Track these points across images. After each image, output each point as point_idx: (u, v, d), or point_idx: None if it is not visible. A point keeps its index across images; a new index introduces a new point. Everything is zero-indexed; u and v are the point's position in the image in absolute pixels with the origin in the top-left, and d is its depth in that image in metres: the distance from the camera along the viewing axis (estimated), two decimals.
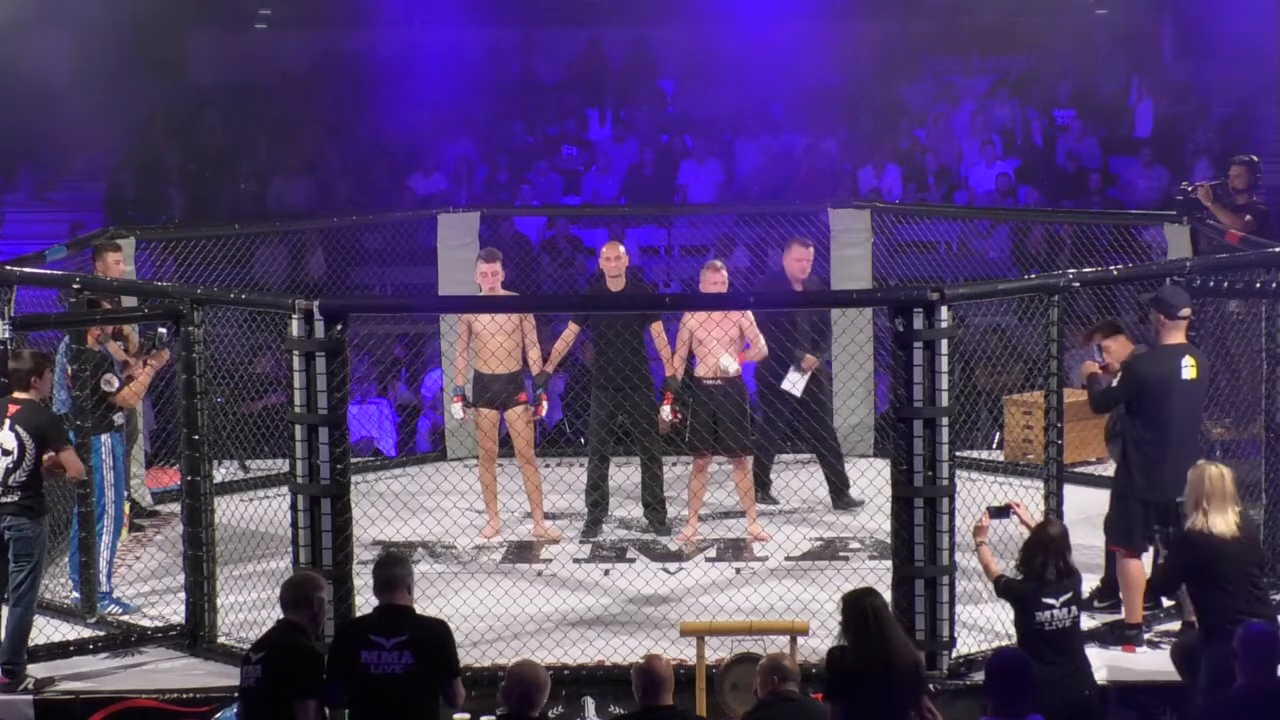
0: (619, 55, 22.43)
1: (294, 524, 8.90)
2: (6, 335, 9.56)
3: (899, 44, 21.98)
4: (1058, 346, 9.34)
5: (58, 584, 10.34)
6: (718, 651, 8.76)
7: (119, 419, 10.20)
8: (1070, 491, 9.72)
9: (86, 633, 9.70)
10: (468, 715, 8.10)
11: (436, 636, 7.40)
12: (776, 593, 9.86)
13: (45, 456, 9.13)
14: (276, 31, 22.80)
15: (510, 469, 11.77)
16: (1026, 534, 8.65)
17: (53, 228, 18.20)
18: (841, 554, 11.00)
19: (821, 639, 8.78)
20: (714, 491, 11.85)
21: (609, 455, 11.63)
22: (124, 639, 9.63)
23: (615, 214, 18.06)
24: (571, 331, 11.66)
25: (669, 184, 19.96)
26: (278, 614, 7.52)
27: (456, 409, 11.51)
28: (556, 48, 22.60)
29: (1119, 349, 9.82)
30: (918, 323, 8.78)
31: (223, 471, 11.78)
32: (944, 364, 8.78)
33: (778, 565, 10.75)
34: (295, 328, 8.82)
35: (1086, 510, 10.39)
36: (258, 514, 10.21)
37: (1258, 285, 9.95)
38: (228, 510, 10.19)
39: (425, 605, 7.69)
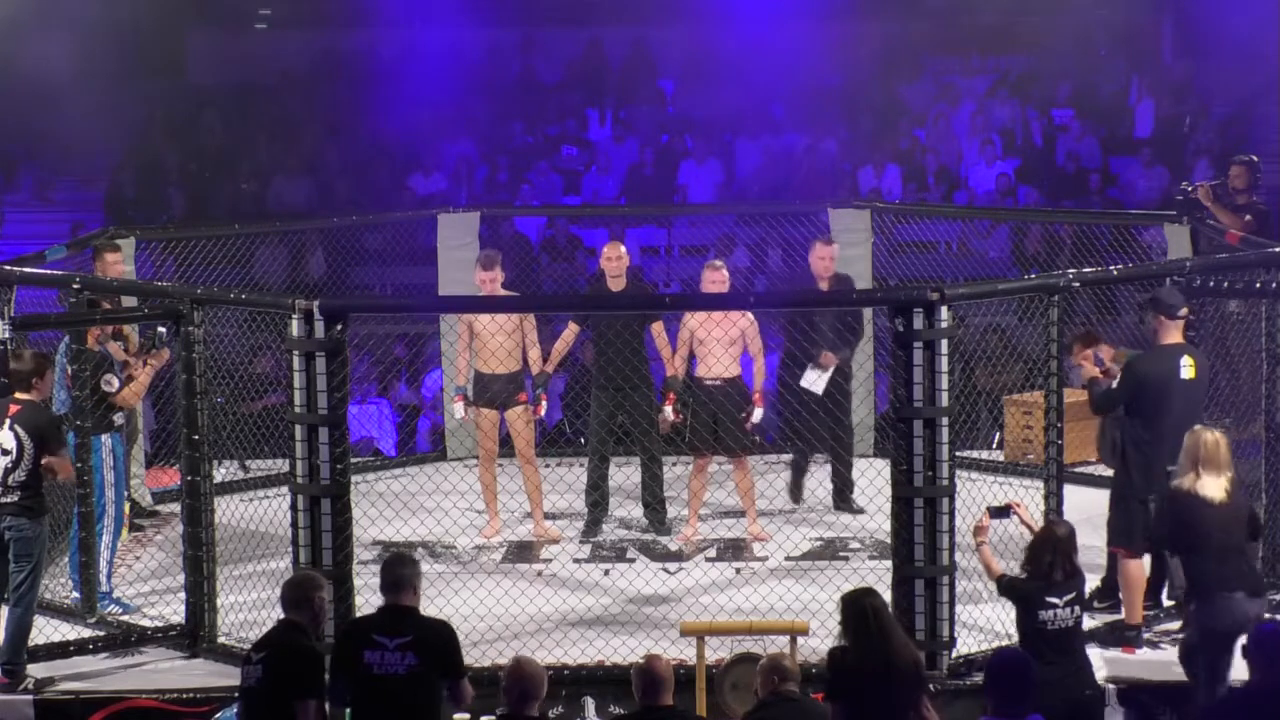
0: (619, 55, 22.42)
1: (294, 524, 8.91)
2: (6, 335, 9.56)
3: (899, 44, 21.97)
4: (1058, 346, 9.35)
5: (58, 584, 10.34)
6: (718, 651, 8.76)
7: (119, 419, 10.20)
8: (1070, 491, 9.72)
9: (86, 633, 9.70)
10: (468, 715, 8.10)
11: (440, 638, 7.40)
12: (776, 593, 9.86)
13: (44, 458, 9.14)
14: (276, 31, 22.80)
15: (510, 469, 11.77)
16: (1027, 534, 8.66)
17: (53, 228, 18.19)
18: (841, 554, 11.01)
19: (821, 639, 8.78)
20: (714, 491, 11.85)
21: (609, 455, 11.63)
22: (124, 639, 9.63)
23: (615, 214, 18.05)
24: (571, 331, 11.66)
25: (669, 184, 19.96)
26: (278, 614, 7.52)
27: (457, 409, 11.51)
28: (556, 48, 22.59)
29: (1101, 356, 9.83)
30: (918, 323, 8.78)
31: (223, 471, 11.78)
32: (944, 364, 8.78)
33: (778, 565, 10.75)
34: (295, 328, 8.82)
35: (1087, 510, 10.39)
36: (258, 514, 10.21)
37: (1258, 285, 9.95)
38: (228, 510, 10.19)
39: (425, 605, 7.68)
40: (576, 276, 17.31)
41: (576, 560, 11.07)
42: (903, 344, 8.82)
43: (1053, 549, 8.11)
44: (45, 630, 9.57)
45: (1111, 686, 8.86)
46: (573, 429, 13.94)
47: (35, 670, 9.16)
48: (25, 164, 21.10)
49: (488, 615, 9.69)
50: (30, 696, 9.03)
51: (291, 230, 15.28)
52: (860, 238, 13.23)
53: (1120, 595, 9.58)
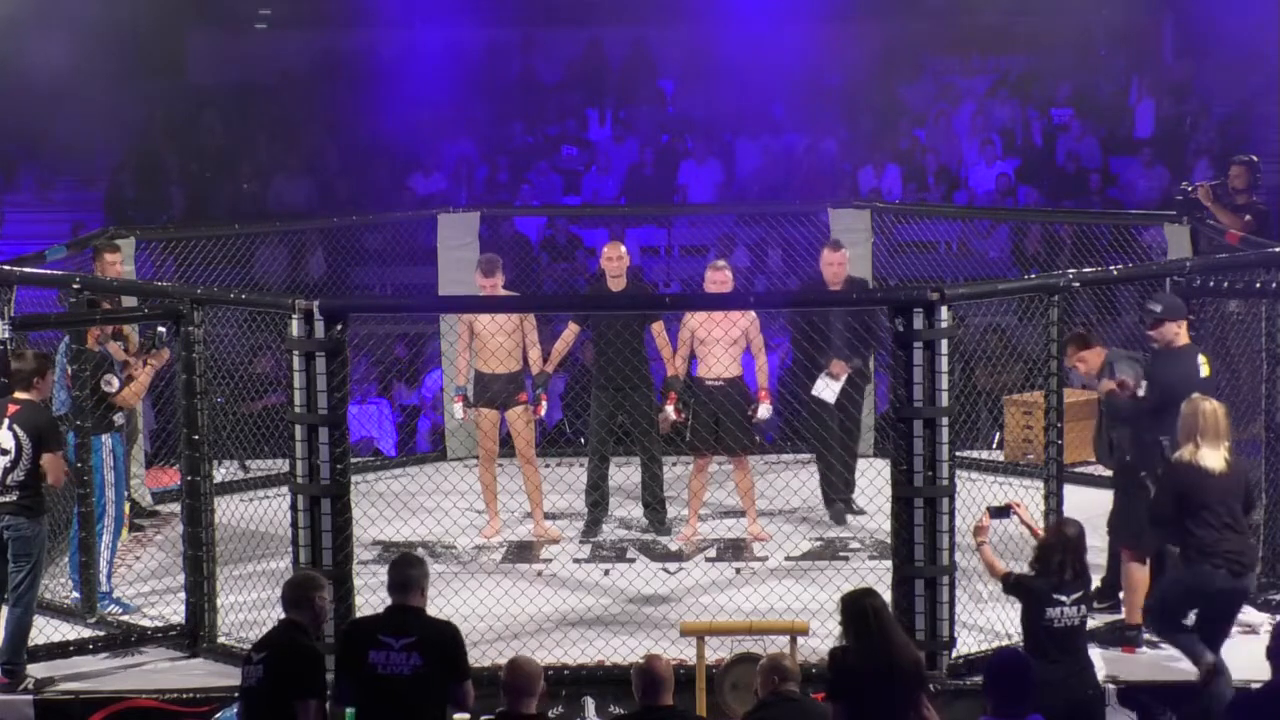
0: (619, 55, 22.42)
1: (294, 524, 8.91)
2: (6, 335, 9.57)
3: (899, 44, 21.96)
4: (1058, 346, 9.35)
5: (58, 584, 10.34)
6: (718, 651, 8.76)
7: (119, 419, 10.20)
8: (1070, 491, 9.72)
9: (86, 633, 9.70)
10: (468, 716, 8.10)
11: (446, 639, 7.40)
12: (776, 593, 9.86)
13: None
14: (276, 31, 22.80)
15: (510, 469, 11.77)
16: (1027, 534, 8.66)
17: (53, 228, 18.19)
18: (841, 554, 11.01)
19: (821, 639, 8.79)
20: (714, 491, 11.85)
21: (609, 455, 11.63)
22: (124, 639, 9.63)
23: (615, 214, 18.05)
24: (572, 331, 11.66)
25: (669, 184, 19.95)
26: (278, 614, 7.52)
27: (457, 408, 11.51)
28: (556, 48, 22.59)
29: (1093, 359, 9.84)
30: (918, 323, 8.78)
31: (223, 471, 11.78)
32: (944, 364, 8.78)
33: (778, 565, 10.75)
34: (295, 328, 8.82)
35: (1087, 510, 10.35)
36: (258, 514, 10.21)
37: (1258, 285, 9.95)
38: (228, 510, 10.19)
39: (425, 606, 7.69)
40: (576, 276, 17.31)
41: (576, 560, 11.07)
42: (903, 344, 8.82)
43: (1063, 548, 8.11)
44: (45, 630, 9.57)
45: (1111, 686, 8.86)
46: (573, 429, 13.94)
47: (35, 670, 9.16)
48: (25, 164, 21.10)
49: (488, 615, 9.69)
50: (30, 696, 9.03)
51: (291, 230, 15.27)
52: (860, 238, 13.23)
53: (1121, 595, 9.58)
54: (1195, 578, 8.68)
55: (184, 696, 9.01)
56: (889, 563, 9.14)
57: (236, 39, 22.38)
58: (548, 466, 12.41)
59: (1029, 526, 8.66)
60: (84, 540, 9.92)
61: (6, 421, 9.13)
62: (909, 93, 21.70)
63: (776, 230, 14.33)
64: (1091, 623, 9.16)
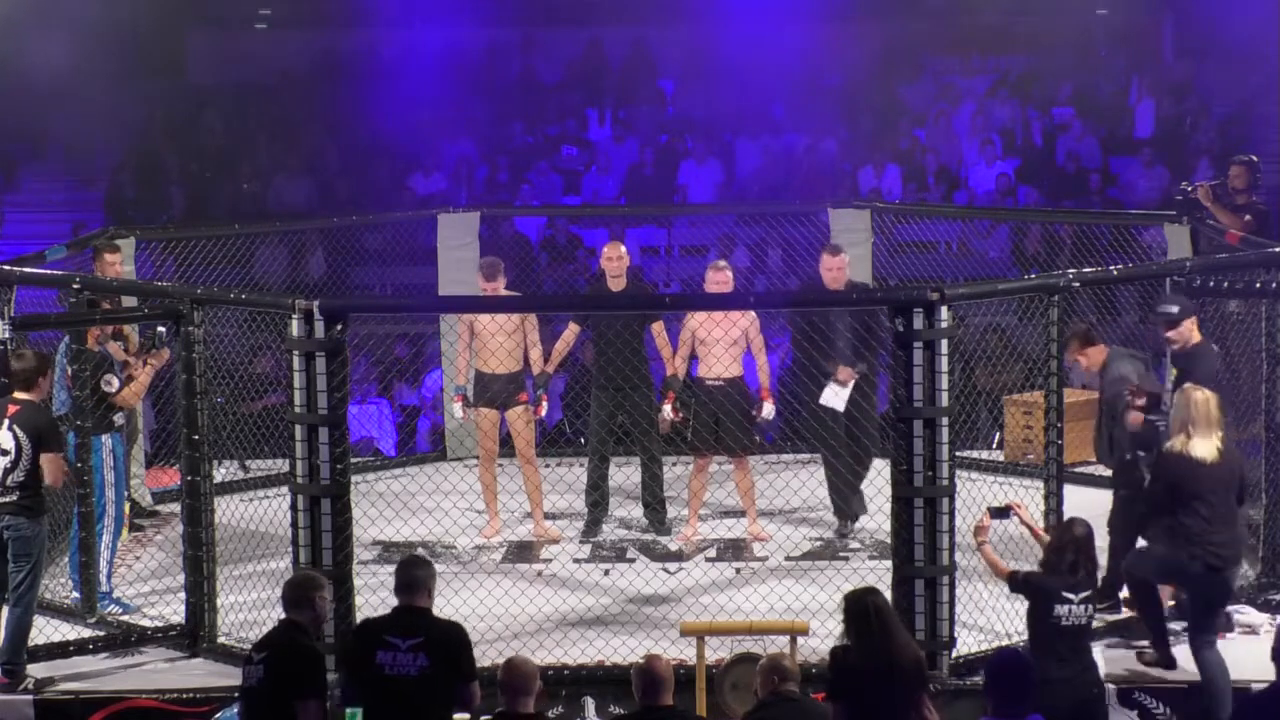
0: (619, 55, 22.42)
1: (294, 524, 8.91)
2: (6, 335, 9.57)
3: (899, 44, 21.96)
4: (1058, 346, 9.35)
5: (58, 584, 10.34)
6: (718, 651, 8.76)
7: (119, 419, 10.20)
8: (1070, 491, 9.72)
9: (86, 633, 9.70)
10: (467, 716, 8.10)
11: (453, 639, 7.40)
12: (776, 593, 9.86)
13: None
14: (276, 31, 22.80)
15: (510, 469, 11.77)
16: (1027, 534, 8.66)
17: (53, 228, 18.19)
18: (841, 554, 11.01)
19: (821, 639, 8.79)
20: (714, 491, 11.85)
21: (609, 455, 11.63)
22: (124, 639, 9.63)
23: (615, 214, 18.05)
24: (572, 331, 11.66)
25: (669, 184, 19.95)
26: (278, 614, 7.52)
27: (457, 408, 11.51)
28: (556, 48, 22.59)
29: (1096, 355, 9.86)
30: (918, 323, 8.78)
31: (223, 471, 11.78)
32: (944, 364, 8.78)
33: (778, 565, 10.75)
34: (295, 328, 8.82)
35: (1086, 510, 10.31)
36: (258, 514, 10.21)
37: (1258, 285, 9.96)
38: (228, 510, 10.19)
39: None
40: (577, 276, 17.31)
41: (576, 560, 11.07)
42: (903, 344, 8.82)
43: (1075, 547, 8.11)
44: (45, 630, 9.57)
45: (1112, 686, 8.86)
46: (573, 429, 13.94)
47: (35, 670, 9.16)
48: (25, 164, 21.10)
49: (488, 615, 9.69)
50: (30, 696, 9.03)
51: (291, 230, 15.28)
52: (860, 238, 13.23)
53: (1121, 595, 9.57)
54: (1174, 564, 8.80)
55: (184, 696, 9.01)
56: (889, 563, 9.14)
57: (236, 39, 22.39)
58: (548, 466, 12.41)
59: (1029, 527, 8.66)
60: (84, 540, 9.92)
61: (6, 422, 9.13)
62: (909, 93, 21.70)
63: (776, 230, 14.33)
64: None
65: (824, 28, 20.87)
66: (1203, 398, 8.70)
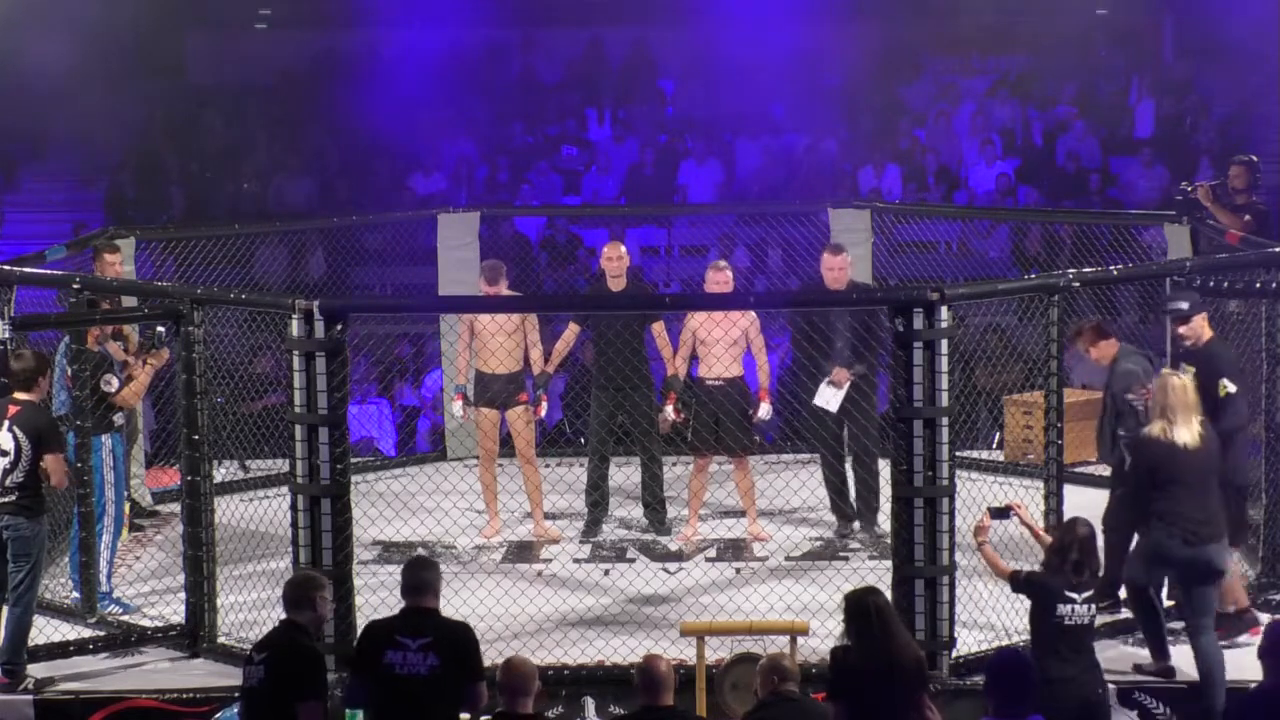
0: (619, 55, 22.42)
1: (294, 524, 8.91)
2: (6, 335, 9.57)
3: (899, 44, 21.97)
4: (1058, 346, 9.35)
5: (58, 584, 10.34)
6: (718, 651, 8.76)
7: (119, 419, 10.20)
8: (1070, 491, 9.72)
9: (86, 633, 9.70)
10: (467, 716, 8.10)
11: (461, 639, 7.42)
12: (776, 593, 9.87)
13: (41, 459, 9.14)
14: (276, 31, 22.80)
15: (510, 469, 11.77)
16: (1027, 534, 8.66)
17: (53, 228, 18.20)
18: (841, 554, 11.01)
19: (821, 639, 8.79)
20: (714, 491, 11.85)
21: (609, 455, 11.63)
22: (124, 639, 9.63)
23: (615, 214, 18.05)
24: (572, 331, 11.66)
25: (669, 184, 19.96)
26: (278, 614, 7.52)
27: (457, 408, 11.51)
28: (556, 48, 22.60)
29: (1107, 349, 9.86)
30: (918, 323, 8.78)
31: (223, 471, 11.78)
32: (944, 364, 8.78)
33: (778, 565, 10.75)
34: (295, 328, 8.82)
35: (1086, 510, 10.33)
36: (258, 514, 10.21)
37: (1258, 285, 9.96)
38: (228, 510, 10.19)
39: None
40: (577, 276, 17.31)
41: (576, 560, 11.07)
42: (903, 344, 8.82)
43: (1079, 547, 8.11)
44: (45, 630, 9.57)
45: (1112, 686, 8.85)
46: (573, 429, 13.94)
47: (35, 670, 9.16)
48: (25, 164, 21.10)
49: (488, 615, 9.68)
50: (30, 696, 9.03)
51: (292, 230, 15.27)
52: (860, 238, 13.23)
53: (1121, 594, 9.56)
54: (1154, 546, 8.84)
55: (184, 696, 9.00)
56: (889, 563, 9.14)
57: (236, 39, 22.38)
58: (548, 466, 12.41)
59: (1029, 527, 8.66)
60: (84, 540, 9.92)
61: (6, 423, 9.13)
62: (909, 93, 21.71)
63: (776, 230, 14.33)
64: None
65: (824, 28, 20.86)
66: (1180, 383, 8.78)
